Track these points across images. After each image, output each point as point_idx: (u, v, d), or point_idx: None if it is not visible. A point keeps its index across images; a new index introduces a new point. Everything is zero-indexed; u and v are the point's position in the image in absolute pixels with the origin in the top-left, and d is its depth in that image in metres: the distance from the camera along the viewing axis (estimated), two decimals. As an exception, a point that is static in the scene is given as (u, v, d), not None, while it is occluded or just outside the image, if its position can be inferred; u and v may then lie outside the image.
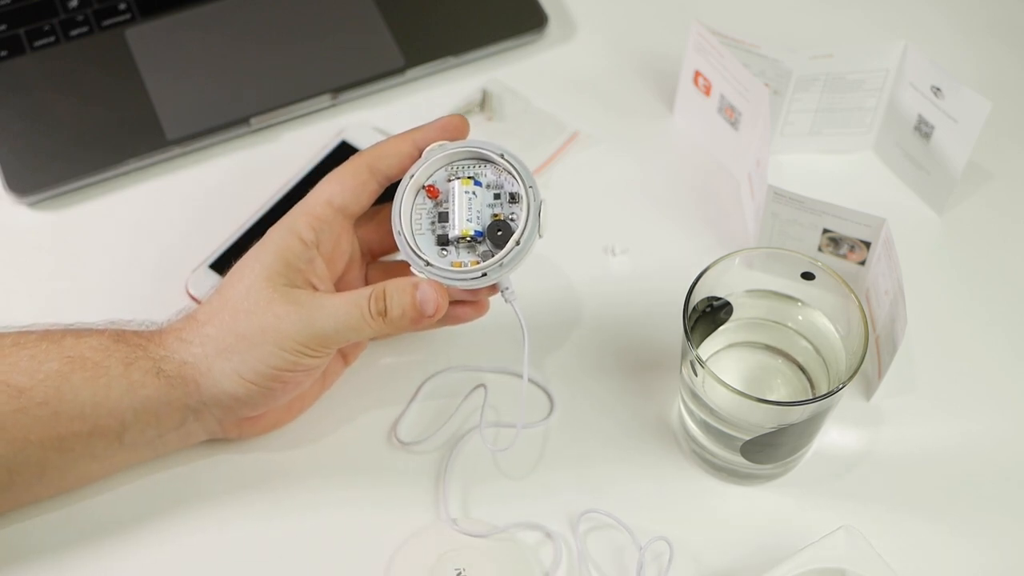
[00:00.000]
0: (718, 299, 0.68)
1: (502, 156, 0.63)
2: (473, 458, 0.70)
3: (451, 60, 0.87)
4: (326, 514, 0.69)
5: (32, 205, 0.81)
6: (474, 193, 0.63)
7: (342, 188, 0.65)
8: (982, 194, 0.81)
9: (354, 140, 0.82)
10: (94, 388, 0.63)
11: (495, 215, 0.64)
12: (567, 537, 0.68)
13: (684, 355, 0.66)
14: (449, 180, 0.64)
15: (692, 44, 0.80)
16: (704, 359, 0.65)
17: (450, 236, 0.63)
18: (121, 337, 0.65)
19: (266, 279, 0.63)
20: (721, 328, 0.69)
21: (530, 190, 0.63)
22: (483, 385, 0.72)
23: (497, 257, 0.62)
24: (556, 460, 0.71)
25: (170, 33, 0.87)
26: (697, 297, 0.66)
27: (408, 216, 0.64)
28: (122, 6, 0.88)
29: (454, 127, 0.66)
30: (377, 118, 0.85)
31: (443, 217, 0.64)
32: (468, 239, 0.63)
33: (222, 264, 0.76)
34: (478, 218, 0.63)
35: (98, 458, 0.65)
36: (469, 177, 0.64)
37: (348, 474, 0.70)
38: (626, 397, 0.73)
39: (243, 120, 0.83)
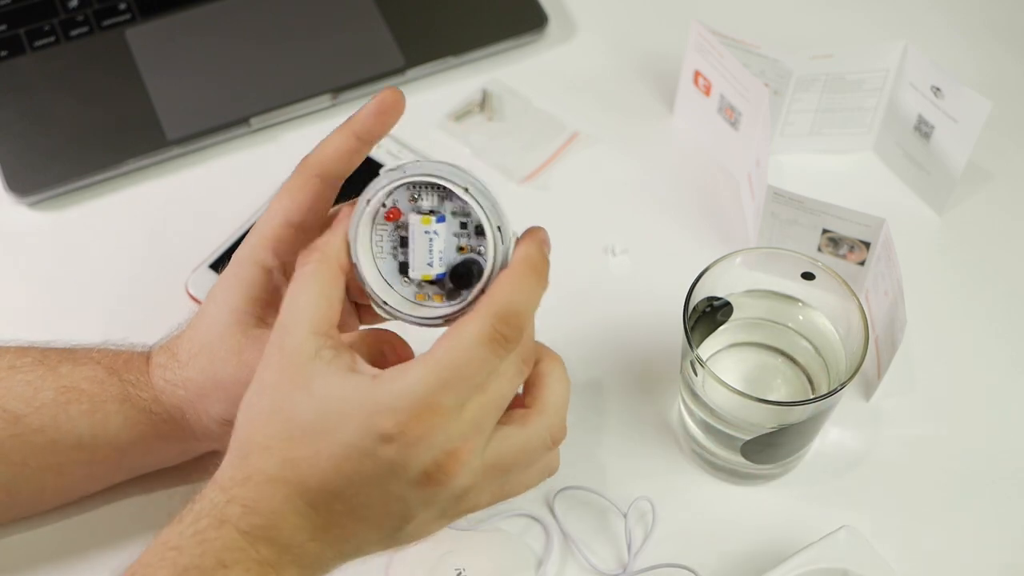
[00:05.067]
0: (718, 299, 0.68)
1: (466, 190, 0.56)
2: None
3: (451, 60, 0.87)
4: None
5: (32, 205, 0.81)
6: (436, 232, 0.57)
7: (297, 205, 0.61)
8: (982, 194, 0.81)
9: (354, 140, 0.82)
10: (91, 421, 0.62)
11: (461, 248, 0.57)
12: (569, 534, 0.68)
13: (684, 355, 0.66)
14: (412, 200, 0.57)
15: (692, 44, 0.80)
16: (704, 359, 0.65)
17: (410, 276, 0.58)
18: (114, 370, 0.64)
19: (236, 323, 0.61)
20: (721, 328, 0.69)
21: (498, 232, 0.56)
22: None
23: (459, 304, 0.57)
24: (556, 460, 0.71)
25: (170, 33, 0.87)
26: (697, 297, 0.66)
27: (367, 242, 0.58)
28: (122, 6, 0.88)
29: (390, 104, 0.59)
30: (377, 118, 0.85)
31: (405, 242, 0.58)
32: (429, 281, 0.58)
33: (222, 264, 0.76)
34: (440, 259, 0.57)
35: (98, 480, 0.65)
36: (430, 212, 0.57)
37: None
38: (626, 397, 0.73)
39: (243, 120, 0.83)
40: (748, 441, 0.66)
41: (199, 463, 0.69)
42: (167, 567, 0.52)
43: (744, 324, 0.70)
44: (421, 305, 0.58)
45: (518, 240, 0.57)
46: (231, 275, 0.62)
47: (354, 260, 0.57)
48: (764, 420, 0.64)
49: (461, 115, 0.85)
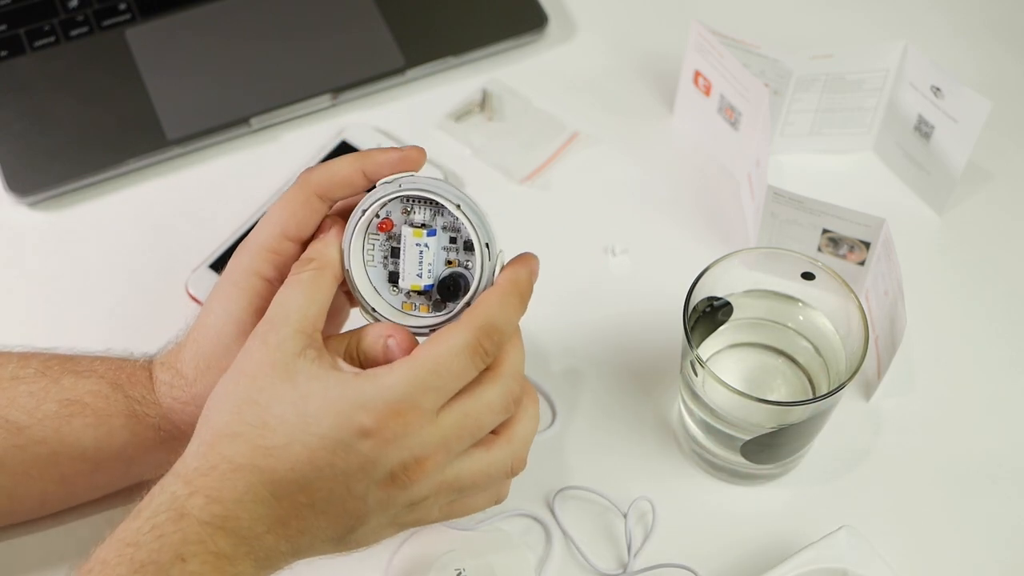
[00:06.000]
0: (718, 299, 0.68)
1: (459, 207, 0.58)
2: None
3: (451, 60, 0.87)
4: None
5: (32, 205, 0.81)
6: (426, 245, 0.60)
7: (295, 220, 0.60)
8: (982, 194, 0.81)
9: (354, 140, 0.82)
10: (96, 434, 0.62)
11: (449, 262, 0.60)
12: (569, 534, 0.68)
13: (684, 355, 0.66)
14: (405, 212, 0.60)
15: (692, 44, 0.80)
16: (704, 359, 0.65)
17: (400, 285, 0.60)
18: (118, 385, 0.63)
19: (242, 335, 0.60)
20: (721, 328, 0.69)
21: (486, 248, 0.59)
22: None
23: (445, 315, 0.60)
24: (555, 459, 0.71)
25: (170, 33, 0.87)
26: (697, 297, 0.66)
27: (359, 250, 0.60)
28: (122, 6, 0.88)
29: (412, 160, 0.61)
30: (377, 118, 0.85)
31: (396, 253, 0.60)
32: (417, 292, 0.60)
33: (222, 264, 0.76)
34: (429, 271, 0.60)
35: (101, 488, 0.65)
36: (422, 225, 0.60)
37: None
38: (626, 397, 0.73)
39: (243, 120, 0.83)
40: (748, 441, 0.66)
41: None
42: (124, 563, 0.53)
43: (744, 324, 0.70)
44: (408, 315, 0.60)
45: (508, 263, 0.59)
46: (230, 285, 0.61)
47: (347, 268, 0.60)
48: (764, 420, 0.64)
49: (461, 115, 0.85)
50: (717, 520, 0.69)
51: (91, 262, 0.79)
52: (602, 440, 0.72)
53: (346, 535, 0.57)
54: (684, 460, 0.71)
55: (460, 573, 0.66)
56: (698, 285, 0.66)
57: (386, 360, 0.59)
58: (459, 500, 0.59)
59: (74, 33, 0.86)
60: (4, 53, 0.85)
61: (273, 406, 0.54)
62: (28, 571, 0.66)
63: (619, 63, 0.88)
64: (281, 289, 0.57)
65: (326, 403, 0.54)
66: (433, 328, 0.60)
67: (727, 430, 0.66)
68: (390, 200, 0.59)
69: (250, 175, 0.82)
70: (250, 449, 0.54)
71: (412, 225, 0.60)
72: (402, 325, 0.60)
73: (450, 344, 0.55)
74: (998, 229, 0.80)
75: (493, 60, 0.88)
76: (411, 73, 0.86)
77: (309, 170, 0.61)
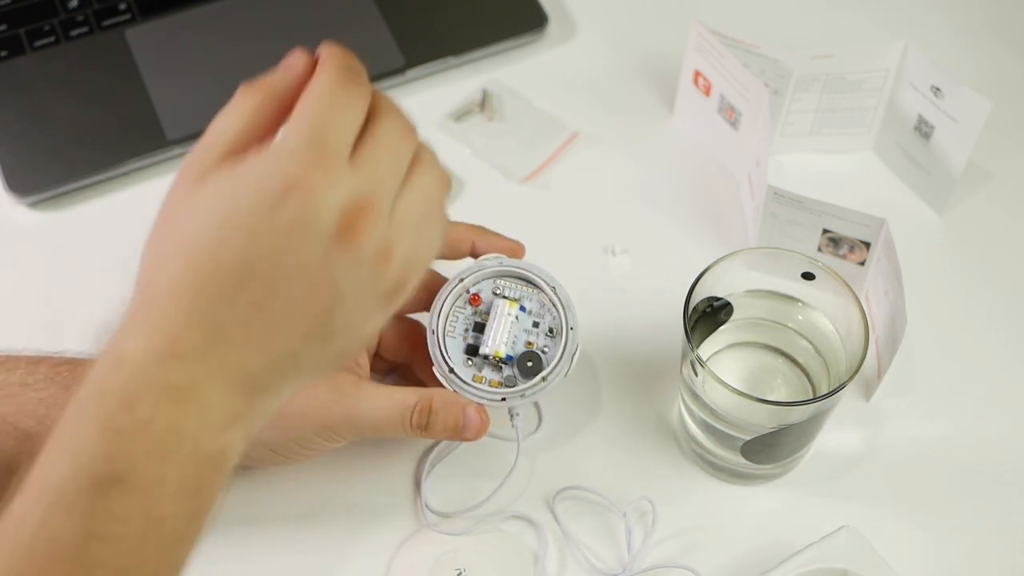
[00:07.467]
0: (718, 299, 0.68)
1: (554, 290, 0.65)
2: (470, 459, 0.70)
3: (451, 60, 0.87)
4: (322, 520, 0.68)
5: (32, 205, 0.81)
6: (516, 318, 0.65)
7: None
8: (982, 194, 0.81)
9: (354, 140, 0.82)
10: None
11: (528, 343, 0.65)
12: (569, 534, 0.68)
13: (684, 355, 0.66)
14: (495, 293, 0.66)
15: (692, 44, 0.80)
16: (704, 359, 0.65)
17: (481, 351, 0.64)
18: None
19: None
20: (721, 328, 0.69)
21: (571, 332, 0.65)
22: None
23: (520, 388, 0.64)
24: (555, 459, 0.71)
25: (170, 33, 0.87)
26: (697, 297, 0.66)
27: (445, 317, 0.65)
28: (122, 6, 0.88)
29: (515, 251, 0.67)
30: (377, 118, 0.85)
31: (478, 327, 0.65)
32: (497, 360, 0.64)
33: (222, 264, 0.76)
34: (513, 343, 0.65)
35: None
36: (516, 299, 0.65)
37: (334, 481, 0.70)
38: (626, 397, 0.73)
39: (243, 120, 0.83)
40: (748, 441, 0.66)
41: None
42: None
43: (744, 324, 0.70)
44: (478, 386, 0.64)
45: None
46: None
47: (432, 328, 0.64)
48: (764, 420, 0.64)
49: (461, 115, 0.85)
50: (717, 520, 0.69)
51: (91, 262, 0.79)
52: (602, 440, 0.72)
53: (327, 322, 0.48)
54: (684, 460, 0.71)
55: (460, 573, 0.66)
56: (698, 285, 0.66)
57: (456, 427, 0.63)
58: (421, 232, 0.50)
59: (74, 33, 0.86)
60: (4, 53, 0.85)
61: (187, 220, 0.50)
62: None
63: (619, 63, 0.88)
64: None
65: (234, 192, 0.48)
66: (504, 398, 0.64)
67: (727, 430, 0.66)
68: (486, 278, 0.66)
69: (250, 175, 0.82)
70: (182, 263, 0.49)
71: (505, 297, 0.66)
72: (475, 392, 0.64)
73: (316, 88, 0.50)
74: (998, 229, 0.80)
75: (493, 60, 0.88)
76: (411, 73, 0.86)
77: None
